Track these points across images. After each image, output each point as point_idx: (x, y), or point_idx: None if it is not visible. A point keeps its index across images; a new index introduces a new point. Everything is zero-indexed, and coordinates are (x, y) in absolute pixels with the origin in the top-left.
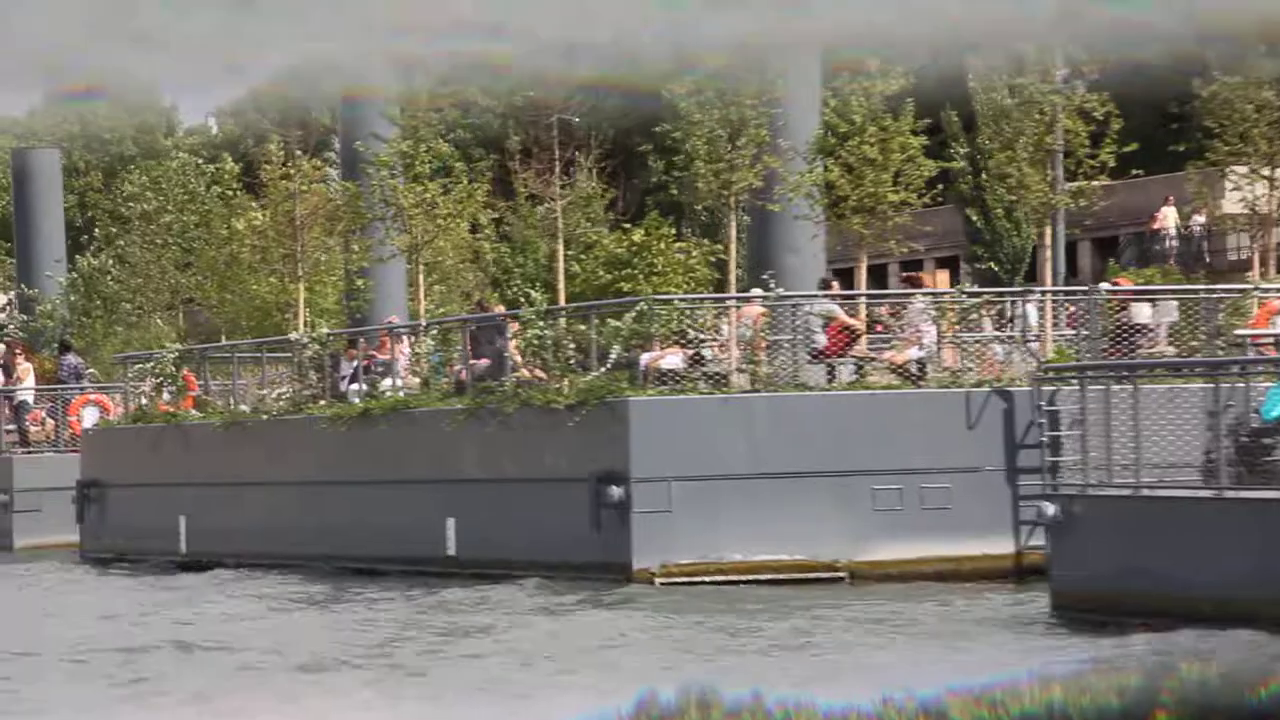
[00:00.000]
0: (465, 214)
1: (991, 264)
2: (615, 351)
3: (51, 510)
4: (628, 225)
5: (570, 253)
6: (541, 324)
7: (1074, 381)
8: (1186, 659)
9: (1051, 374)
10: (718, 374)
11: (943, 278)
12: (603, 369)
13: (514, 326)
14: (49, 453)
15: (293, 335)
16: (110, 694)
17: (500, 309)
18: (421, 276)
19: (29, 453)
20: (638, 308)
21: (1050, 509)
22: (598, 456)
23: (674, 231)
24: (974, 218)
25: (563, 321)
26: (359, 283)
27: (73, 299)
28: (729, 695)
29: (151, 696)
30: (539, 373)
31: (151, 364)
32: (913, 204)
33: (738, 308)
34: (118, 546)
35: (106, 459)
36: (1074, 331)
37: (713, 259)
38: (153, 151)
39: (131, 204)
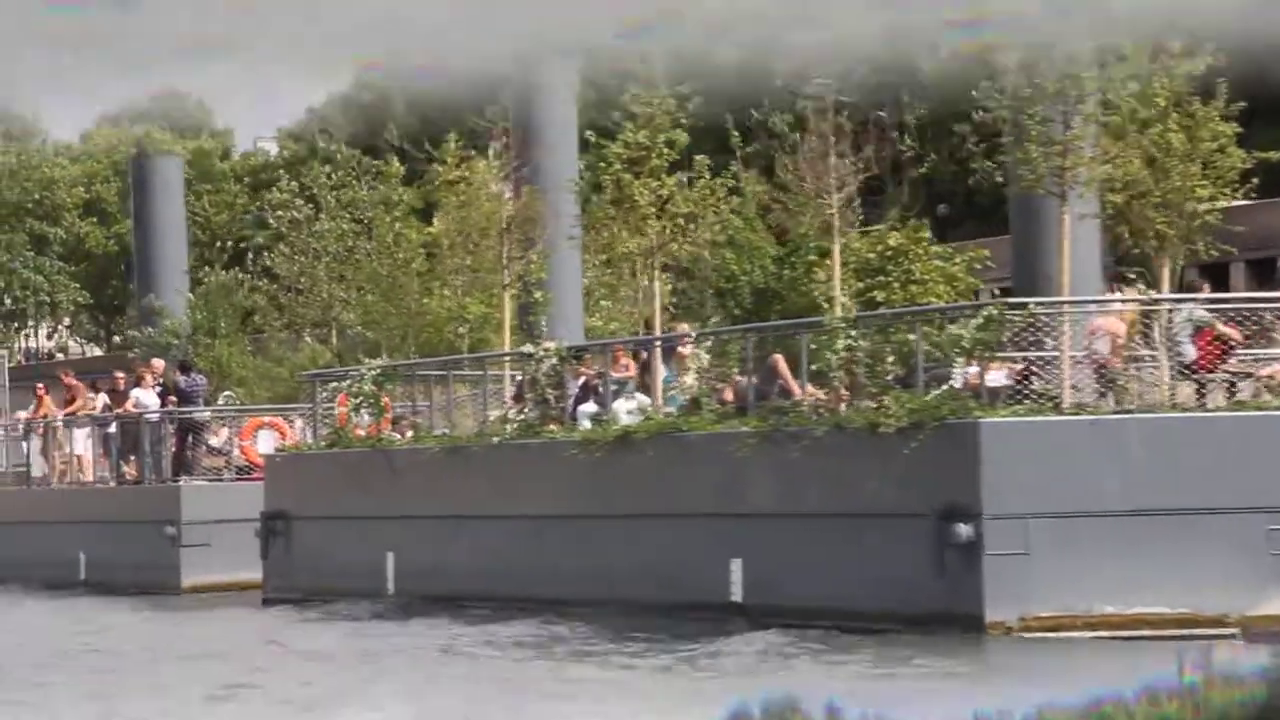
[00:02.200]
0: (707, 213)
1: None
2: (959, 365)
3: (222, 545)
4: (897, 226)
5: (798, 259)
6: (854, 333)
7: None
8: None
9: None
10: (1046, 393)
11: None
12: (941, 386)
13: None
14: (219, 481)
15: (527, 348)
16: None
17: (684, 327)
18: (658, 285)
19: (207, 480)
20: (985, 312)
21: None
22: (939, 488)
23: (930, 234)
24: None
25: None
26: (536, 295)
27: (198, 316)
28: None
29: None
30: (816, 392)
31: (348, 383)
32: (1225, 198)
33: (1099, 314)
34: (309, 585)
35: (295, 488)
36: None
37: (978, 266)
38: (208, 175)
39: (280, 212)
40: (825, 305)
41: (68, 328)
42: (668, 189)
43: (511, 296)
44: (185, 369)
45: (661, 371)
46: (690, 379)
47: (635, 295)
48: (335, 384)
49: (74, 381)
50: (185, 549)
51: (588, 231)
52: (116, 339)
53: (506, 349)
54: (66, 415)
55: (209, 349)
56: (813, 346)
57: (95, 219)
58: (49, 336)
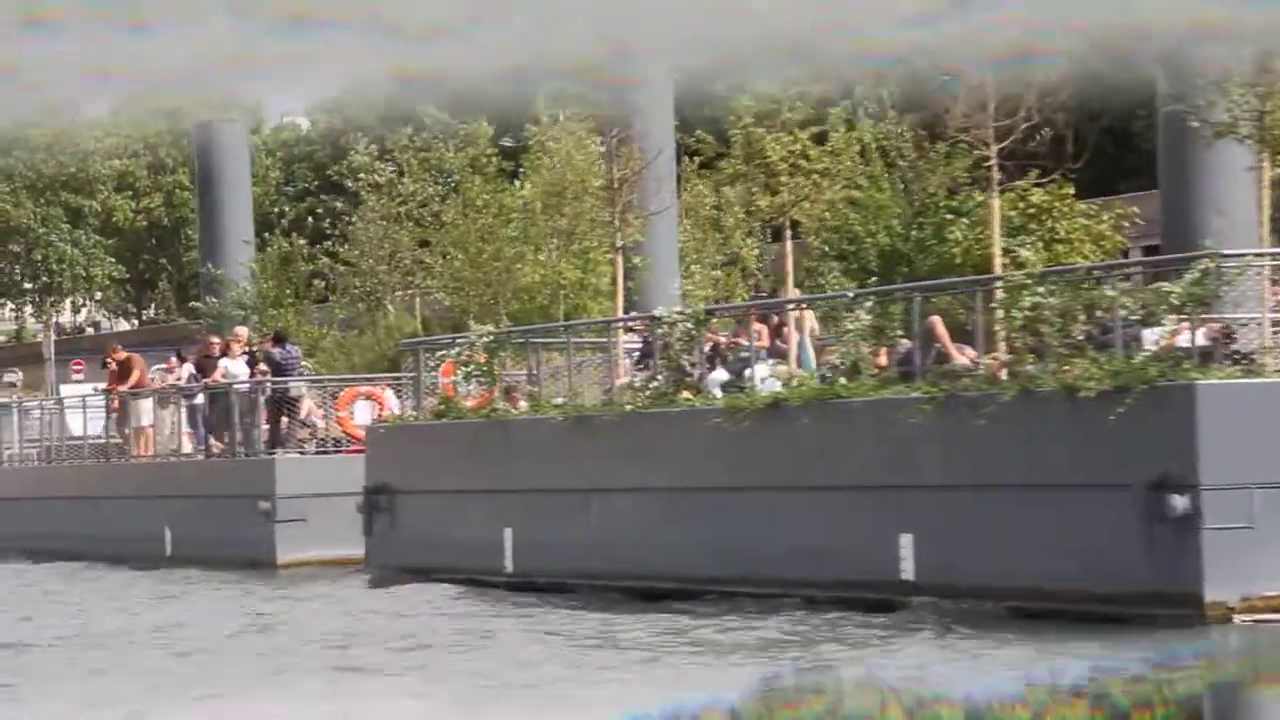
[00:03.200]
0: (841, 170)
1: None
2: (1168, 323)
3: (318, 520)
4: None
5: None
6: (1041, 290)
7: None
8: None
9: None
10: (1241, 353)
11: None
12: (1148, 347)
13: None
14: (314, 454)
15: (659, 311)
16: None
17: (794, 292)
18: (790, 245)
19: (301, 453)
20: (1202, 265)
21: None
22: (1148, 457)
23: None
24: None
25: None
26: (635, 260)
27: (263, 285)
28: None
29: None
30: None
31: (457, 351)
32: None
33: None
34: (416, 562)
35: (400, 461)
36: None
37: (1126, 224)
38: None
39: (361, 176)
40: (963, 266)
41: (98, 302)
42: (800, 143)
43: (610, 261)
44: (280, 339)
45: (795, 337)
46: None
47: (729, 260)
48: (443, 352)
49: (124, 354)
50: (280, 524)
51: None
52: (146, 313)
53: (621, 314)
54: (132, 389)
55: (274, 320)
56: (992, 306)
57: (130, 193)
58: (75, 311)
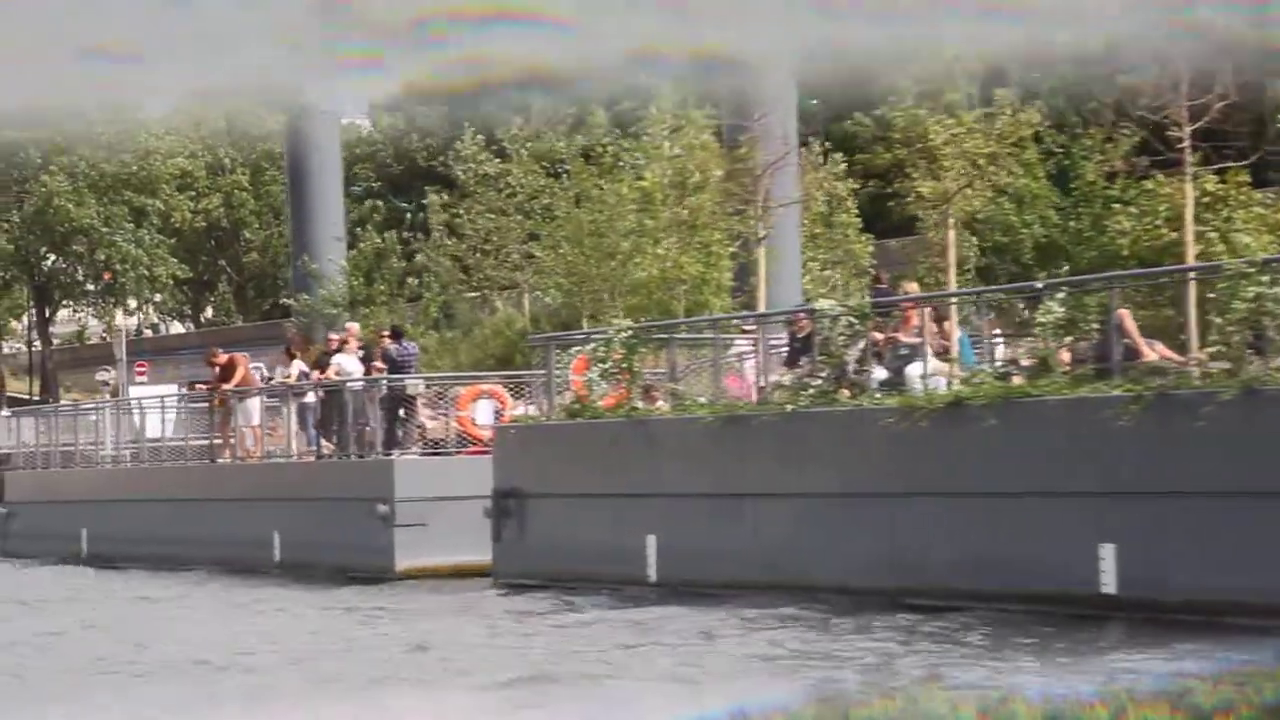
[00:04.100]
0: (1006, 156)
1: None
2: None
3: (438, 524)
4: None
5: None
6: (1264, 279)
7: None
8: None
9: None
10: None
11: None
12: None
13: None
14: (434, 455)
15: (821, 303)
16: None
17: (913, 288)
18: (953, 233)
19: (421, 454)
20: None
21: None
22: None
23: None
24: None
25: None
26: (756, 254)
27: (355, 282)
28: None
29: None
30: (1169, 351)
31: (592, 347)
32: None
33: None
34: (547, 570)
35: (531, 463)
36: None
37: None
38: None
39: (469, 167)
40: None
41: (156, 304)
42: (965, 124)
43: (732, 255)
44: (397, 335)
45: (957, 333)
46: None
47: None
48: (576, 349)
49: (225, 356)
50: (399, 529)
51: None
52: (204, 316)
53: (764, 308)
54: (236, 388)
55: (367, 318)
56: (1210, 296)
57: (192, 193)
58: (130, 314)
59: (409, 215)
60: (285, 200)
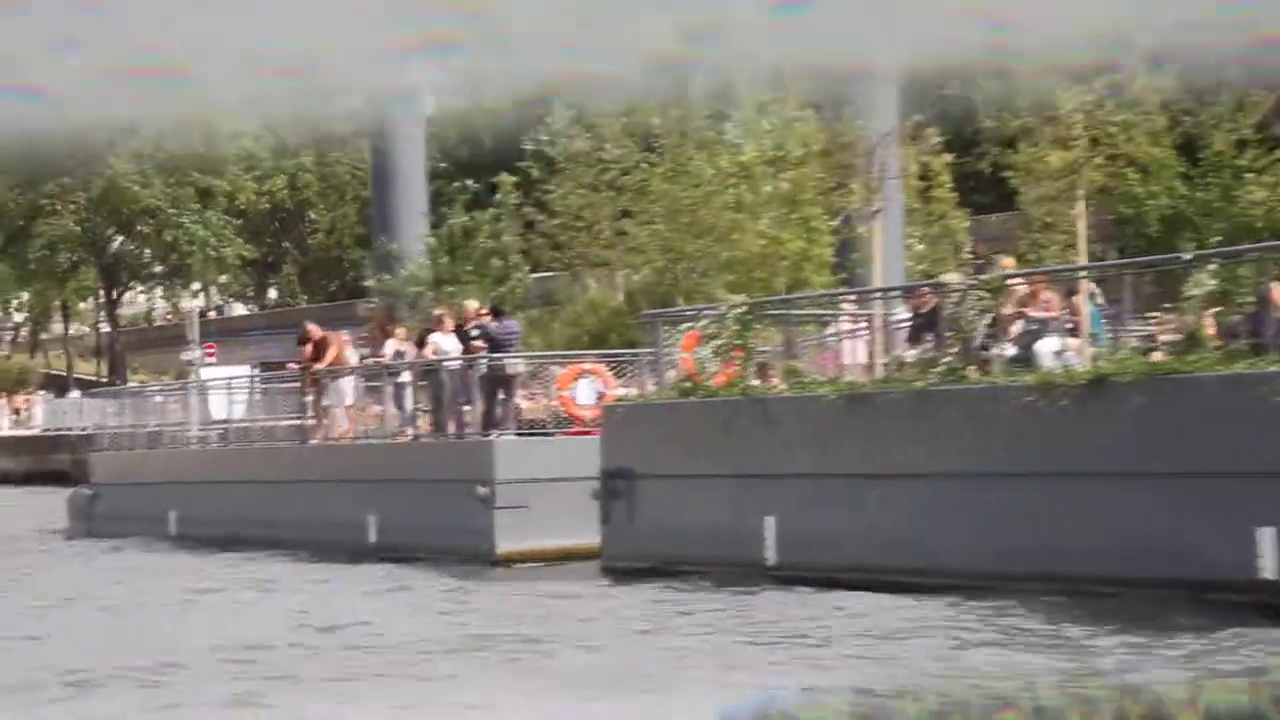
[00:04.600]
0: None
1: None
2: None
3: (540, 507)
4: None
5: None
6: None
7: None
8: None
9: None
10: None
11: None
12: None
13: None
14: (535, 435)
15: (948, 277)
16: None
17: (1009, 264)
18: (1083, 204)
19: (521, 434)
20: None
21: None
22: None
23: None
24: None
25: None
26: (862, 230)
27: (440, 261)
28: None
29: None
30: None
31: (704, 323)
32: None
33: None
34: (657, 552)
35: (643, 443)
36: None
37: None
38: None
39: (557, 140)
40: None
41: (221, 286)
42: (1097, 95)
43: (835, 230)
44: (497, 313)
45: (1087, 307)
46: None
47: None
48: (688, 325)
49: (320, 332)
50: (499, 511)
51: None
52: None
53: (879, 283)
54: (330, 366)
55: (453, 296)
56: None
57: (257, 173)
58: (194, 296)
59: (491, 193)
60: (350, 182)
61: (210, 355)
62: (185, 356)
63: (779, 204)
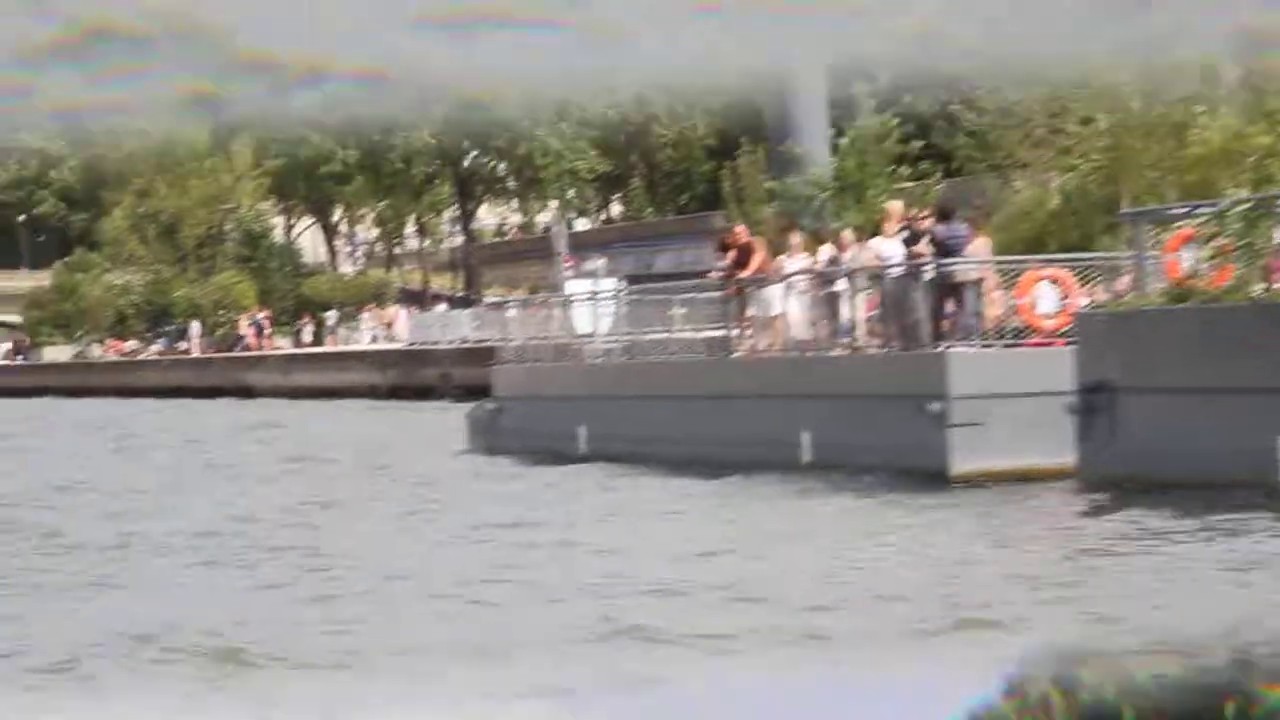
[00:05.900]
0: None
1: None
2: None
3: (998, 424)
4: None
5: None
6: None
7: None
8: None
9: None
10: None
11: None
12: None
13: None
14: (990, 347)
15: None
16: None
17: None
18: None
19: (974, 347)
20: None
21: None
22: None
23: None
24: None
25: None
26: None
27: (846, 164)
28: None
29: None
30: None
31: (1202, 220)
32: None
33: None
34: (1142, 471)
35: (1126, 355)
36: None
37: None
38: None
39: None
40: None
41: (567, 201)
42: None
43: None
44: (945, 215)
45: None
46: None
47: None
48: (1180, 223)
49: (746, 238)
50: (954, 429)
51: None
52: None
53: None
54: (754, 274)
55: (858, 199)
56: None
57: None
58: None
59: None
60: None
61: (569, 267)
62: (588, 266)
63: (1243, 96)
